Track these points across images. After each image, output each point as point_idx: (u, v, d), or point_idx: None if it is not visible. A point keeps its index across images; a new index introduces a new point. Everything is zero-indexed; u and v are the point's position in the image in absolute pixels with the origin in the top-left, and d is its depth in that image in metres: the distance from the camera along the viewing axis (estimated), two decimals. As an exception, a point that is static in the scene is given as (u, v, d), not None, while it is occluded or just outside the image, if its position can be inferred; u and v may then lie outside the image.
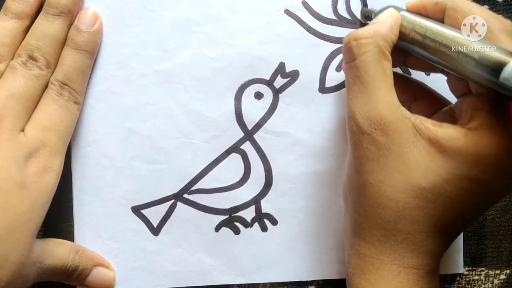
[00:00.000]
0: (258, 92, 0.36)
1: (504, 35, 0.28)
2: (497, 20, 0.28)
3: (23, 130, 0.33)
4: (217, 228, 0.37)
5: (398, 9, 0.31)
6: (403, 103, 0.29)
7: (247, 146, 0.37)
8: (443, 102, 0.33)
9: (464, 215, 0.29)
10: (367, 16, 0.35)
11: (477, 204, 0.29)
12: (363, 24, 0.36)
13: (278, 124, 0.37)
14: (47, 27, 0.33)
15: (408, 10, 0.31)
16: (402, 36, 0.30)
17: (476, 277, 0.39)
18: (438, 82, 0.35)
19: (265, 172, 0.37)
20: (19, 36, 0.34)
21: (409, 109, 0.30)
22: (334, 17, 0.36)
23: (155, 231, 0.37)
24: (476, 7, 0.29)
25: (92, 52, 0.35)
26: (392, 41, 0.30)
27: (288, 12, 0.36)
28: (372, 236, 0.29)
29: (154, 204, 0.37)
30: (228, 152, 0.37)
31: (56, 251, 0.34)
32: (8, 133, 0.31)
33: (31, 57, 0.33)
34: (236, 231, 0.37)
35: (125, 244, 0.37)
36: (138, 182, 0.36)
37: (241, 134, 0.37)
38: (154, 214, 0.37)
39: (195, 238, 0.37)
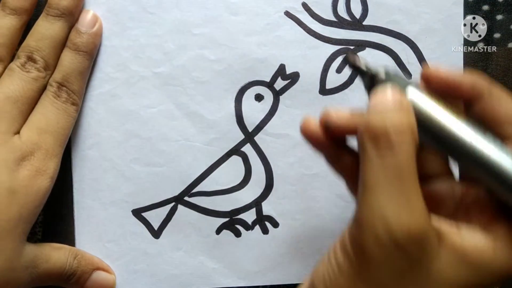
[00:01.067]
0: (259, 94, 0.36)
1: None
2: None
3: (18, 133, 0.32)
4: (218, 231, 0.37)
5: (407, 82, 0.26)
6: None
7: (247, 149, 0.37)
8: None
9: None
10: (362, 72, 0.27)
11: None
12: (348, 63, 0.28)
13: (278, 126, 0.36)
14: (47, 28, 0.33)
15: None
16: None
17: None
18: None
19: (266, 174, 0.37)
20: (17, 34, 0.33)
21: None
22: (334, 19, 0.36)
23: (156, 234, 0.37)
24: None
25: (91, 54, 0.35)
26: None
27: (288, 14, 0.36)
28: None
29: (154, 207, 0.37)
30: (228, 155, 0.37)
31: (53, 256, 0.33)
32: (2, 137, 0.31)
33: (30, 59, 0.33)
34: (237, 234, 0.37)
35: (125, 247, 0.37)
36: (138, 185, 0.36)
37: (241, 136, 0.37)
38: (155, 217, 0.37)
39: (196, 241, 0.37)
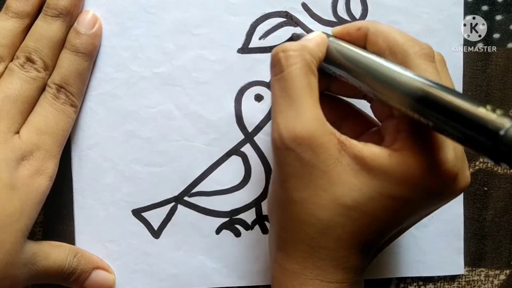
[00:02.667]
0: (258, 94, 0.36)
1: (420, 59, 0.28)
2: (414, 44, 0.28)
3: (18, 133, 0.33)
4: (218, 231, 0.37)
5: (327, 34, 0.31)
6: (332, 123, 0.29)
7: (247, 149, 0.37)
8: (372, 122, 0.33)
9: (387, 232, 0.29)
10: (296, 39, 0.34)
11: (399, 222, 0.29)
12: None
13: None
14: (45, 29, 0.33)
15: (334, 36, 0.31)
16: (328, 59, 0.30)
17: (476, 278, 0.39)
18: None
19: (265, 174, 0.37)
20: (19, 36, 0.34)
21: (338, 129, 0.29)
22: (334, 19, 0.36)
23: (156, 234, 0.37)
24: (396, 31, 0.29)
25: (90, 55, 0.35)
26: (319, 58, 0.29)
27: (288, 14, 0.36)
28: (296, 252, 0.29)
29: (154, 207, 0.37)
30: (228, 155, 0.37)
31: (52, 254, 0.34)
32: (2, 135, 0.32)
33: (29, 59, 0.33)
34: (237, 234, 0.37)
35: (125, 247, 0.37)
36: (138, 185, 0.36)
37: (241, 136, 0.37)
38: (155, 217, 0.37)
39: (196, 241, 0.37)
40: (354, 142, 0.28)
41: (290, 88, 0.28)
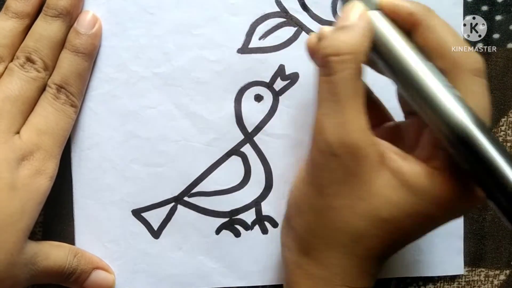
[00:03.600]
0: (258, 94, 0.36)
1: (470, 75, 0.27)
2: (467, 56, 0.27)
3: (18, 133, 0.33)
4: (218, 231, 0.37)
5: (370, 6, 0.28)
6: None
7: (247, 149, 0.37)
8: (388, 116, 0.33)
9: (408, 244, 0.30)
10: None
11: (422, 235, 0.30)
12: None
13: (278, 126, 0.37)
14: (45, 28, 0.33)
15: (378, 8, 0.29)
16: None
17: (476, 278, 0.39)
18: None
19: (265, 174, 0.37)
20: (19, 36, 0.34)
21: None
22: (333, 20, 0.36)
23: (156, 234, 0.37)
24: (450, 33, 0.28)
25: (90, 55, 0.34)
26: (366, 54, 0.28)
27: (287, 15, 0.36)
28: (326, 258, 0.29)
29: (154, 207, 0.37)
30: (228, 155, 0.37)
31: (53, 254, 0.34)
32: (3, 135, 0.32)
33: (29, 59, 0.33)
34: (237, 234, 0.37)
35: (125, 247, 0.37)
36: (138, 185, 0.36)
37: (241, 136, 0.37)
38: (155, 217, 0.37)
39: (195, 241, 0.37)
40: (393, 157, 0.28)
41: (339, 93, 0.27)
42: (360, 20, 0.28)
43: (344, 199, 0.28)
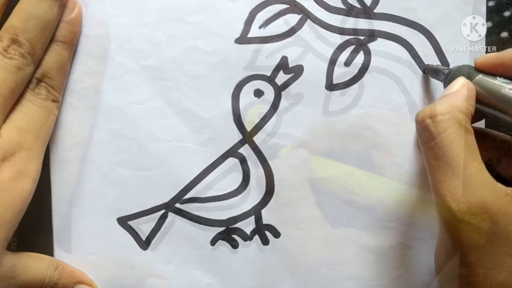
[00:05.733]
0: (258, 89, 0.35)
1: None
2: None
3: None
4: (213, 242, 0.36)
5: (470, 70, 0.31)
6: (488, 160, 0.29)
7: (245, 150, 0.36)
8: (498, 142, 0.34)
9: None
10: (435, 72, 0.34)
11: None
12: (425, 78, 0.36)
13: (280, 125, 0.36)
14: (35, 6, 0.31)
15: (480, 69, 0.31)
16: (478, 101, 0.30)
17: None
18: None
19: (266, 178, 0.36)
20: None
21: (496, 166, 0.30)
22: (342, 6, 0.35)
23: (144, 245, 0.36)
24: None
25: (70, 44, 0.33)
26: (470, 113, 0.29)
27: (291, 1, 0.35)
28: None
29: (142, 214, 0.36)
30: (224, 157, 0.36)
31: (32, 266, 0.33)
32: None
33: (15, 41, 0.31)
34: (234, 245, 0.36)
35: (110, 260, 0.36)
36: (124, 190, 0.36)
37: (239, 136, 0.36)
38: (143, 226, 0.36)
39: (188, 253, 0.36)
40: None
41: (447, 156, 0.28)
42: (461, 88, 0.30)
43: (488, 263, 0.28)
